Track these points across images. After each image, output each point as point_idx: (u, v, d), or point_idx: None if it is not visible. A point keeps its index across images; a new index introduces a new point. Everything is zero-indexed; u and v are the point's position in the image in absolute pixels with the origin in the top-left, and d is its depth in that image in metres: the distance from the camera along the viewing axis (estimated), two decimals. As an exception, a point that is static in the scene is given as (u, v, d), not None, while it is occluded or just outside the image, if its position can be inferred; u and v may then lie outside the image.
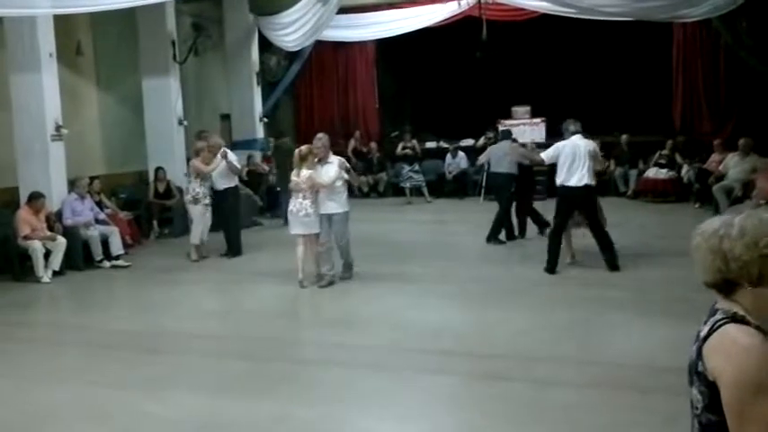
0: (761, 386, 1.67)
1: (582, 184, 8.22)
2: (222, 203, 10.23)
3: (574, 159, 8.23)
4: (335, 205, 8.07)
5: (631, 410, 4.57)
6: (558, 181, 8.39)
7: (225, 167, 10.04)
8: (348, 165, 8.57)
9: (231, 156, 10.19)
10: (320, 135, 8.33)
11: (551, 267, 8.41)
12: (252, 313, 7.38)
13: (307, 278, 8.12)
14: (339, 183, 8.09)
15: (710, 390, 1.78)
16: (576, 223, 8.65)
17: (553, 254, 8.45)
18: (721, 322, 1.79)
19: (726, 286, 1.82)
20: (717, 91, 14.41)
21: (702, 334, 1.83)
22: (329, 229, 8.09)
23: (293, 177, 8.12)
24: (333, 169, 8.07)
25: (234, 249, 10.18)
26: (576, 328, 6.44)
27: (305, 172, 7.99)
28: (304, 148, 8.27)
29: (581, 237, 8.79)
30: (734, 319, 1.78)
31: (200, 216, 10.04)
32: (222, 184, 10.18)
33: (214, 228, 10.41)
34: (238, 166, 10.51)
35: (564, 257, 8.63)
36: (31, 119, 9.86)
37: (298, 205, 8.04)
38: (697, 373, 1.83)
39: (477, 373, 5.45)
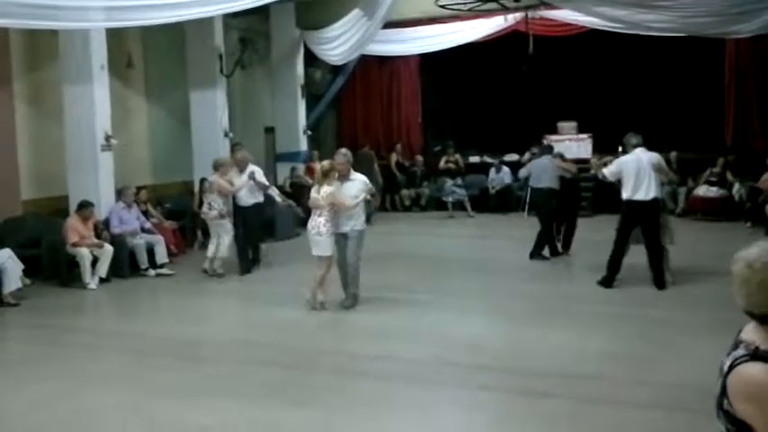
0: None
1: (649, 197, 8.06)
2: (247, 219, 10.00)
3: (638, 173, 8.06)
4: (353, 223, 7.71)
5: (677, 429, 4.43)
6: (625, 196, 8.21)
7: (251, 184, 9.89)
8: (373, 189, 8.21)
9: (258, 174, 10.01)
10: (344, 151, 8.01)
11: (607, 281, 8.26)
12: (291, 323, 7.38)
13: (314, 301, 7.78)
14: (357, 201, 7.73)
15: (737, 427, 1.72)
16: (636, 239, 8.45)
17: (613, 268, 8.29)
18: (741, 360, 1.73)
19: None
20: (770, 107, 14.02)
21: (724, 369, 1.78)
22: (344, 246, 7.74)
23: (313, 194, 7.74)
24: (355, 187, 7.74)
25: (250, 263, 10.10)
26: (620, 346, 6.28)
27: (326, 188, 7.62)
28: (326, 163, 7.86)
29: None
30: (755, 355, 1.72)
31: (227, 231, 9.96)
32: (249, 199, 9.99)
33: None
34: (266, 182, 10.31)
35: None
36: (82, 129, 10.09)
37: (312, 222, 7.69)
38: (722, 410, 1.78)
39: (518, 389, 5.35)
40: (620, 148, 9.11)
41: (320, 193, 7.64)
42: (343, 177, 7.75)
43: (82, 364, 6.24)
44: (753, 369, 1.69)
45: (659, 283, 8.16)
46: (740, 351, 1.75)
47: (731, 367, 1.74)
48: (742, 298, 1.79)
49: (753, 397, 1.67)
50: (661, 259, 8.28)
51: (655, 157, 8.27)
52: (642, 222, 8.24)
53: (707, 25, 11.65)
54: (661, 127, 14.87)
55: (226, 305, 8.53)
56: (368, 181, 8.01)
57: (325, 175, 7.65)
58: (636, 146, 8.28)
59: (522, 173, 11.30)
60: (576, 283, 8.60)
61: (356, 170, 8.00)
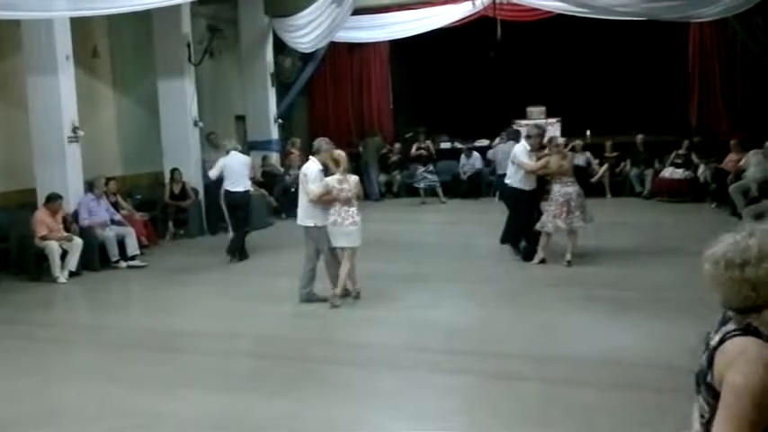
0: (761, 394, 1.68)
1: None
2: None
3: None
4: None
5: (647, 411, 4.54)
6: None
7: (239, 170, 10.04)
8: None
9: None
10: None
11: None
12: (265, 313, 7.39)
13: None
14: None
15: (717, 401, 1.77)
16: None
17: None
18: (733, 333, 1.78)
19: (753, 308, 1.80)
20: (734, 90, 14.29)
21: (713, 343, 1.82)
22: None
23: (335, 184, 7.32)
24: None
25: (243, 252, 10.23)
26: (590, 328, 6.41)
27: (352, 177, 7.46)
28: (342, 152, 7.63)
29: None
30: (746, 330, 1.77)
31: None
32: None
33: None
34: (209, 175, 10.47)
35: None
36: (48, 121, 9.94)
37: (341, 213, 7.30)
38: (705, 383, 1.83)
39: (491, 372, 5.44)
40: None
41: (346, 184, 7.36)
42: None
43: (53, 359, 6.20)
44: (742, 339, 1.75)
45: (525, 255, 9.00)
46: (731, 326, 1.80)
47: (721, 341, 1.78)
48: (717, 294, 1.85)
49: (733, 358, 1.73)
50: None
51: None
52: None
53: (670, 9, 11.83)
54: (628, 110, 15.15)
55: (199, 296, 8.50)
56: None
57: (337, 163, 7.45)
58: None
59: (489, 156, 11.43)
60: (548, 266, 8.72)
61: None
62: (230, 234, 10.33)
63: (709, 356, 1.82)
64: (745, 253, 1.78)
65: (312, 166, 7.48)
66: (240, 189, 10.02)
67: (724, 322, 1.84)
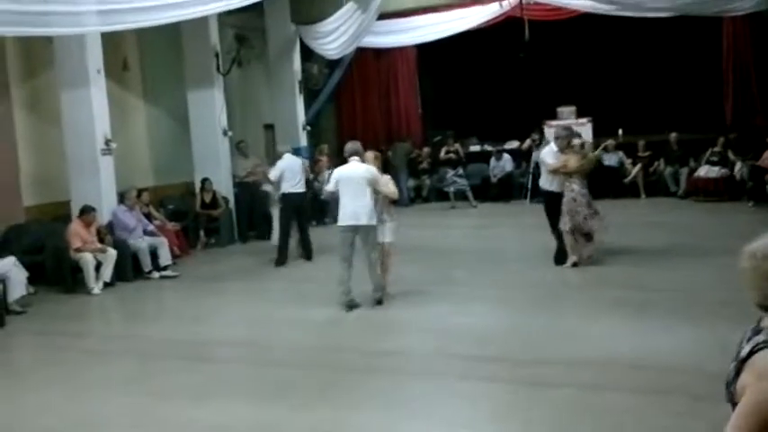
0: None
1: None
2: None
3: None
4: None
5: (680, 416, 4.43)
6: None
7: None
8: None
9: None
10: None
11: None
12: (296, 321, 7.39)
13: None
14: None
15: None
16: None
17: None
18: (762, 346, 1.74)
19: None
20: (770, 85, 13.96)
21: (742, 354, 1.78)
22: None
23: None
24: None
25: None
26: (622, 331, 6.27)
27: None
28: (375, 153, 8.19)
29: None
30: None
31: None
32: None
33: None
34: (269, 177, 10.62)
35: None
36: (81, 134, 10.10)
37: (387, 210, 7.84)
38: (728, 392, 1.81)
39: (524, 378, 5.36)
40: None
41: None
42: None
43: (88, 369, 6.27)
44: None
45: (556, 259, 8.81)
46: (761, 337, 1.76)
47: (752, 352, 1.75)
48: (751, 291, 1.81)
49: (759, 370, 1.70)
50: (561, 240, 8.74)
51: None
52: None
53: (703, 5, 11.60)
54: (660, 108, 14.89)
55: (231, 305, 8.55)
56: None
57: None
58: None
59: (534, 158, 11.30)
60: (580, 269, 8.59)
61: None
62: (273, 240, 10.47)
63: (737, 367, 1.78)
64: None
65: (370, 167, 7.65)
66: (300, 190, 10.32)
67: (756, 332, 1.79)
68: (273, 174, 10.37)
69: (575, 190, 8.57)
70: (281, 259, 10.26)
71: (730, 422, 1.71)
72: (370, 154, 7.92)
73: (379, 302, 7.58)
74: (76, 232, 9.41)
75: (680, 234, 10.41)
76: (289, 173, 10.23)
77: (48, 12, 8.47)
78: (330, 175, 8.50)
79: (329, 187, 7.81)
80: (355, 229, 7.49)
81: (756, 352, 1.74)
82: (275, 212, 10.62)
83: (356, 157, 7.68)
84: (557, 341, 6.13)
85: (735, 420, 1.70)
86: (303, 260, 10.39)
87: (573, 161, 8.61)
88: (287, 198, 10.30)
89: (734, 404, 1.76)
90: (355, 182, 7.49)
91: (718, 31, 14.29)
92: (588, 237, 8.72)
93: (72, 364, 6.47)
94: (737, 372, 1.77)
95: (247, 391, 5.46)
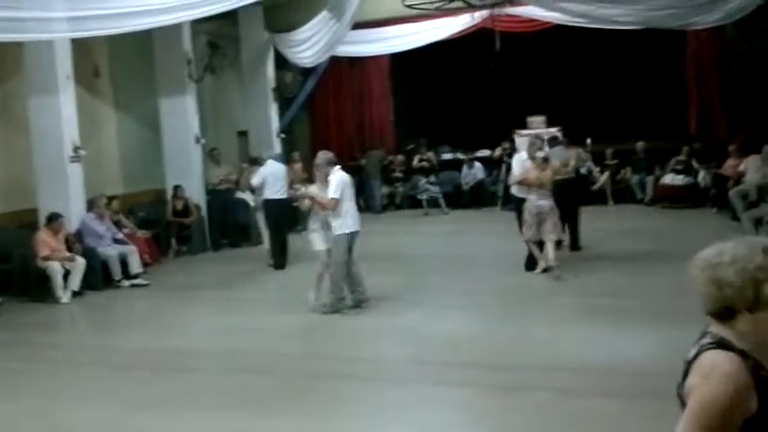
0: (728, 413, 1.72)
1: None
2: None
3: None
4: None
5: (655, 418, 4.47)
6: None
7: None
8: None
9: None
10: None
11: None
12: (268, 329, 7.37)
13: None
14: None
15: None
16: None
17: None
18: (707, 347, 1.82)
19: (727, 313, 1.84)
20: (732, 96, 14.30)
21: (689, 356, 1.87)
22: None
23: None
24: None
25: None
26: (595, 336, 6.37)
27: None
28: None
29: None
30: (720, 344, 1.81)
31: None
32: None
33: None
34: (252, 183, 10.73)
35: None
36: (49, 141, 9.96)
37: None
38: (680, 396, 1.87)
39: (497, 384, 5.41)
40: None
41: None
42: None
43: (56, 380, 6.18)
44: (715, 353, 1.79)
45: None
46: (707, 339, 1.84)
47: (698, 354, 1.82)
48: (700, 298, 1.89)
49: (703, 372, 1.77)
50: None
51: None
52: None
53: (668, 18, 11.81)
54: (628, 118, 15.17)
55: (202, 314, 8.50)
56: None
57: None
58: None
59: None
60: (551, 274, 8.69)
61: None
62: (265, 245, 10.58)
63: (685, 369, 1.86)
64: (721, 256, 1.84)
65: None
66: (283, 197, 10.23)
67: (701, 337, 1.88)
68: (256, 180, 10.41)
69: (530, 200, 8.74)
70: (280, 261, 10.27)
71: (680, 424, 1.77)
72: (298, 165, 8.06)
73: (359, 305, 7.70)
74: (44, 240, 9.27)
75: (648, 240, 10.60)
76: (271, 179, 10.27)
77: (17, 18, 8.33)
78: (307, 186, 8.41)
79: (336, 195, 7.47)
80: (355, 234, 7.64)
81: (702, 353, 1.81)
82: (259, 218, 10.64)
83: (337, 165, 7.76)
84: (530, 347, 6.21)
85: (684, 422, 1.76)
86: (275, 269, 10.31)
87: (532, 174, 8.78)
88: (269, 204, 10.30)
89: (684, 405, 1.82)
90: (350, 187, 7.68)
91: (683, 44, 14.62)
92: (559, 244, 8.83)
93: (39, 374, 6.36)
94: (685, 374, 1.85)
95: (218, 401, 5.42)
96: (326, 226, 7.64)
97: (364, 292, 7.76)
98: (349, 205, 7.62)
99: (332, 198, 7.43)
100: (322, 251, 7.74)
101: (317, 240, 7.76)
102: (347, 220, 7.55)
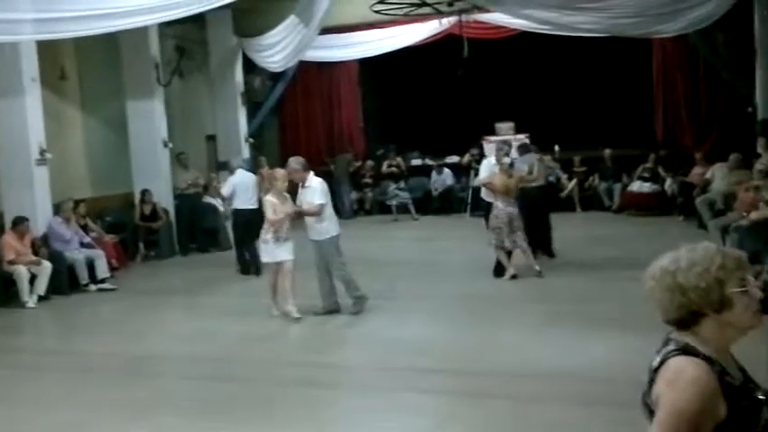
0: (698, 419, 1.72)
1: None
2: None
3: None
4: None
5: (617, 425, 4.57)
6: None
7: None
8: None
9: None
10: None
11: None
12: (234, 335, 7.34)
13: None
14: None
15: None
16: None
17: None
18: (672, 354, 1.83)
19: (691, 318, 1.86)
20: (697, 104, 14.58)
21: (654, 365, 1.87)
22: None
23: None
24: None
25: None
26: (561, 343, 6.43)
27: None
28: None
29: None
30: (685, 350, 1.82)
31: None
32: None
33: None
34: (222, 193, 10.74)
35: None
36: (15, 144, 9.85)
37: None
38: (644, 404, 1.88)
39: (463, 391, 5.46)
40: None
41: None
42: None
43: (20, 386, 6.11)
44: (680, 359, 1.79)
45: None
46: (671, 346, 1.85)
47: (662, 362, 1.83)
48: (661, 312, 1.91)
49: (669, 378, 1.77)
50: None
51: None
52: None
53: (632, 26, 12.02)
54: (595, 125, 15.38)
55: (170, 319, 8.44)
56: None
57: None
58: None
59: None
60: (520, 282, 8.80)
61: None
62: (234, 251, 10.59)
63: (650, 378, 1.86)
64: (677, 263, 1.86)
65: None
66: (253, 206, 10.13)
67: (665, 344, 1.89)
68: (225, 190, 10.35)
69: (498, 207, 8.84)
70: (246, 268, 10.19)
71: None
72: (280, 172, 7.91)
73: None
74: (9, 244, 9.16)
75: (616, 247, 10.75)
76: (241, 188, 10.19)
77: (-20, 19, 8.24)
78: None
79: (323, 200, 7.52)
80: (339, 237, 7.77)
81: (667, 360, 1.83)
82: (228, 225, 10.61)
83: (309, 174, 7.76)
84: (496, 353, 6.26)
85: (655, 430, 1.76)
86: (245, 275, 10.24)
87: (498, 180, 8.88)
88: (238, 214, 10.24)
89: (651, 414, 1.82)
90: (328, 191, 7.77)
91: (649, 51, 14.88)
92: (535, 251, 8.95)
93: (5, 379, 6.28)
94: (651, 383, 1.85)
95: (185, 407, 5.41)
96: (280, 239, 7.63)
97: (337, 301, 7.82)
98: (331, 210, 7.76)
99: (320, 204, 7.48)
100: (270, 263, 7.83)
101: (265, 252, 7.82)
102: (332, 224, 7.70)
